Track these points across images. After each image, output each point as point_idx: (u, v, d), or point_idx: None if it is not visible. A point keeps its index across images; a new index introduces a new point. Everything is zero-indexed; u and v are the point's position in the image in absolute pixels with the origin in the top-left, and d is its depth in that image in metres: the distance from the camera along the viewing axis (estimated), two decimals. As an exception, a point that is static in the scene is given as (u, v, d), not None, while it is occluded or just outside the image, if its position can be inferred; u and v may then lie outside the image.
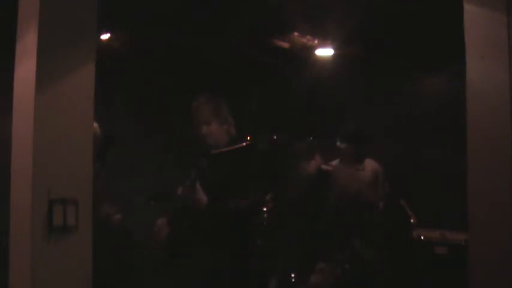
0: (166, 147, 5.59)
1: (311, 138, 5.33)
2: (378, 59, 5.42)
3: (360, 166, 3.98)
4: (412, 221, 3.96)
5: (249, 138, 5.05)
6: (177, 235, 2.95)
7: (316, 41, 5.58)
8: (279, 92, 6.60)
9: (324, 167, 2.99)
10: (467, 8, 2.31)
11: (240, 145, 5.00)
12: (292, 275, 2.90)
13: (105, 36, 5.19)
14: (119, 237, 3.46)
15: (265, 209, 5.13)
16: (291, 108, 6.35)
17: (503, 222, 2.19)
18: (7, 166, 2.54)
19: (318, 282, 2.75)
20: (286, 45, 5.70)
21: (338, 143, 3.34)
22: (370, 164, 4.18)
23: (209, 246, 2.87)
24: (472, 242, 2.34)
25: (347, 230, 2.73)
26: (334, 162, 3.51)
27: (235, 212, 2.89)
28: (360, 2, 4.31)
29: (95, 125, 2.82)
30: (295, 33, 5.42)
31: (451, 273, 4.05)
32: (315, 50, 5.76)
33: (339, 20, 4.67)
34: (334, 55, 5.80)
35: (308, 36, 5.49)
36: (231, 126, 3.15)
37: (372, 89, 5.70)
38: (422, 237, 4.35)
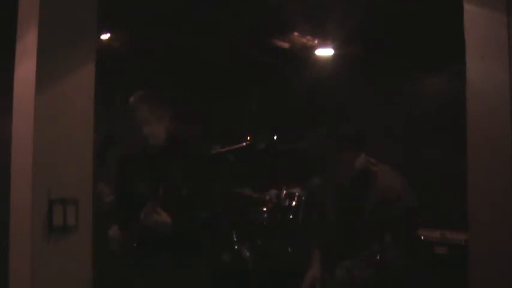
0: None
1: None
2: (378, 59, 5.42)
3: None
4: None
5: (249, 138, 5.06)
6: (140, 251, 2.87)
7: (316, 41, 5.58)
8: (279, 92, 6.60)
9: (370, 165, 2.95)
10: (467, 8, 2.31)
11: (240, 145, 5.01)
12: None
13: (105, 36, 5.19)
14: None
15: (265, 209, 5.15)
16: (291, 108, 6.35)
17: (503, 222, 2.19)
18: (7, 166, 2.54)
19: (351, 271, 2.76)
20: (286, 45, 5.70)
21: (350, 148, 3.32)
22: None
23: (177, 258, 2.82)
24: (472, 242, 2.34)
25: (381, 230, 2.74)
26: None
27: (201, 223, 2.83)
28: (360, 2, 4.31)
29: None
30: (295, 33, 5.41)
31: (451, 273, 4.05)
32: (315, 50, 5.76)
33: (339, 20, 4.67)
34: (334, 55, 5.79)
35: (308, 36, 5.49)
36: (169, 124, 2.92)
37: (372, 89, 5.70)
38: (422, 237, 4.35)
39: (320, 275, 3.04)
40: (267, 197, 5.21)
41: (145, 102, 2.87)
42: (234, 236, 5.03)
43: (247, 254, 4.78)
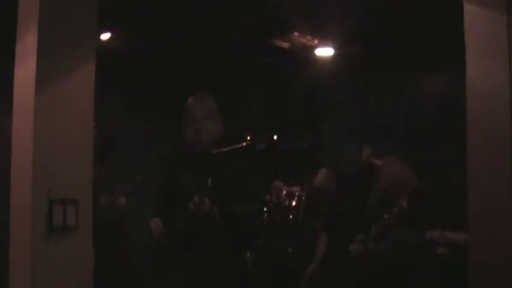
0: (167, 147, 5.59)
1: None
2: (378, 59, 5.42)
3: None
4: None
5: (249, 138, 5.06)
6: (182, 242, 2.94)
7: (316, 41, 5.58)
8: (279, 92, 6.60)
9: (373, 160, 3.04)
10: (467, 8, 2.31)
11: (240, 145, 5.01)
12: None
13: (105, 36, 5.19)
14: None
15: (265, 209, 5.14)
16: (291, 108, 6.35)
17: (503, 222, 2.19)
18: (7, 166, 2.54)
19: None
20: (286, 45, 5.70)
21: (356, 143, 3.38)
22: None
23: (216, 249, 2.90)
24: (472, 242, 2.34)
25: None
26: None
27: (242, 214, 2.94)
28: (360, 2, 4.31)
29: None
30: (295, 33, 5.41)
31: (451, 273, 4.04)
32: (315, 50, 5.76)
33: (339, 20, 4.67)
34: (334, 55, 5.79)
35: (308, 36, 5.49)
36: (220, 126, 3.11)
37: (372, 89, 5.69)
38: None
39: (320, 266, 3.10)
40: (267, 197, 5.21)
41: (204, 101, 3.06)
42: (234, 236, 5.03)
43: (247, 254, 4.78)
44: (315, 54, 5.81)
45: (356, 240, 2.93)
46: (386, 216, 2.80)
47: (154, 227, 3.05)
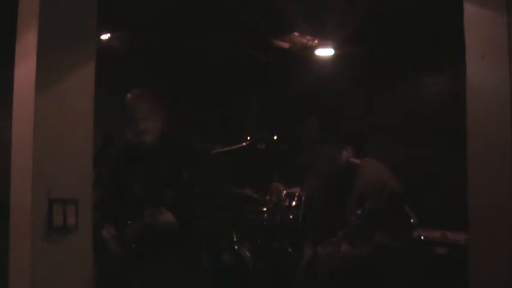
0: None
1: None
2: (378, 59, 5.42)
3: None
4: (412, 221, 3.97)
5: (249, 138, 5.06)
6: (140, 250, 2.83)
7: (316, 41, 5.58)
8: (279, 92, 6.60)
9: (352, 160, 3.10)
10: (467, 8, 2.31)
11: (240, 145, 5.00)
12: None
13: (105, 36, 5.19)
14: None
15: (265, 209, 5.15)
16: (291, 108, 6.35)
17: (503, 222, 2.19)
18: (7, 166, 2.54)
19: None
20: (286, 45, 5.70)
21: (339, 144, 3.40)
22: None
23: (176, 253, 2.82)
24: (472, 242, 2.34)
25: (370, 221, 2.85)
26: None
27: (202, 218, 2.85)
28: (360, 2, 4.31)
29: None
30: (295, 33, 5.41)
31: (451, 273, 4.05)
32: (315, 50, 5.76)
33: (339, 20, 4.67)
34: (334, 55, 5.80)
35: (308, 36, 5.49)
36: (164, 124, 2.91)
37: (372, 89, 5.70)
38: (422, 237, 4.35)
39: (311, 262, 3.14)
40: (267, 197, 5.21)
41: (142, 98, 2.89)
42: (234, 236, 5.03)
43: (247, 254, 4.78)
44: (315, 54, 5.81)
45: (326, 243, 2.97)
46: (351, 218, 2.86)
47: (108, 237, 2.82)
